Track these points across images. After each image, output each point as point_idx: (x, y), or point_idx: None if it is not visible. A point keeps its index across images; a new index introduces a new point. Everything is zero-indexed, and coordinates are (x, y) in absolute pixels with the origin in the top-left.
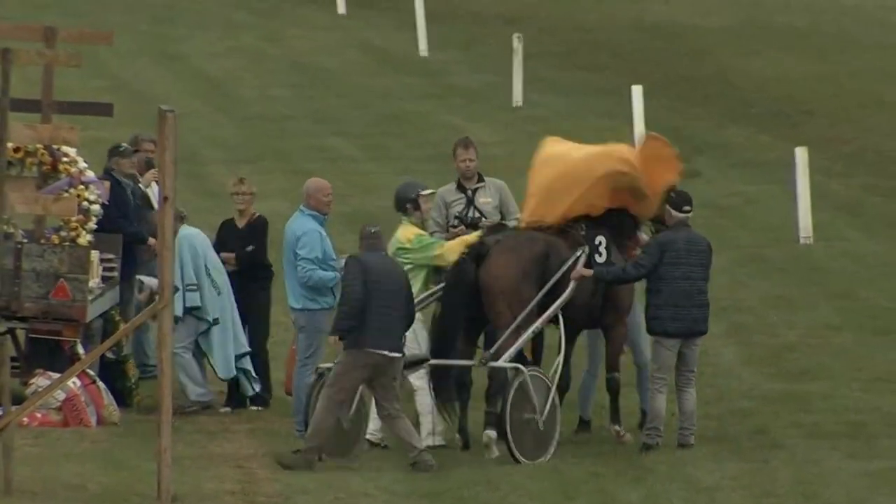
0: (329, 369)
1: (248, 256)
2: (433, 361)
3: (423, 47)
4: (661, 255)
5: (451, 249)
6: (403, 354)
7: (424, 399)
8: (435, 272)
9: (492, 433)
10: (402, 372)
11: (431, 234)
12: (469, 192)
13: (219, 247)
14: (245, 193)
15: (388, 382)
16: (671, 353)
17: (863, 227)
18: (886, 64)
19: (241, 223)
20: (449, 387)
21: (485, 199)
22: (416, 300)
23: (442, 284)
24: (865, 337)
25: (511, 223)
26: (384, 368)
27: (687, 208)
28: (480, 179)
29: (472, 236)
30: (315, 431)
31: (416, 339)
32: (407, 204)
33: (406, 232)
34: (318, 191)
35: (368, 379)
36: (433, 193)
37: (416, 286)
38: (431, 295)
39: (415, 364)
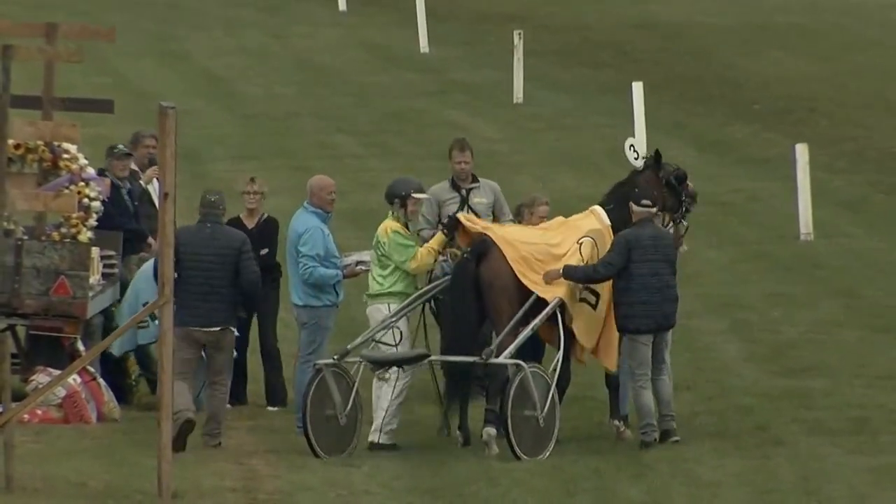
0: (328, 365)
1: (262, 260)
2: (433, 358)
3: (423, 44)
4: (628, 253)
5: (422, 261)
6: (227, 327)
7: (384, 395)
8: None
9: (491, 430)
10: (403, 368)
11: (419, 231)
12: (463, 192)
13: None
14: (256, 193)
15: (216, 355)
16: (647, 348)
17: (865, 224)
18: (888, 63)
19: (250, 223)
20: (461, 385)
21: (479, 199)
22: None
23: (431, 286)
24: (867, 334)
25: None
26: (210, 343)
27: (646, 202)
28: (475, 180)
29: (435, 241)
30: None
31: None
32: (395, 199)
33: (387, 225)
34: (322, 188)
35: (202, 352)
36: (423, 199)
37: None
38: (421, 296)
39: (414, 360)
